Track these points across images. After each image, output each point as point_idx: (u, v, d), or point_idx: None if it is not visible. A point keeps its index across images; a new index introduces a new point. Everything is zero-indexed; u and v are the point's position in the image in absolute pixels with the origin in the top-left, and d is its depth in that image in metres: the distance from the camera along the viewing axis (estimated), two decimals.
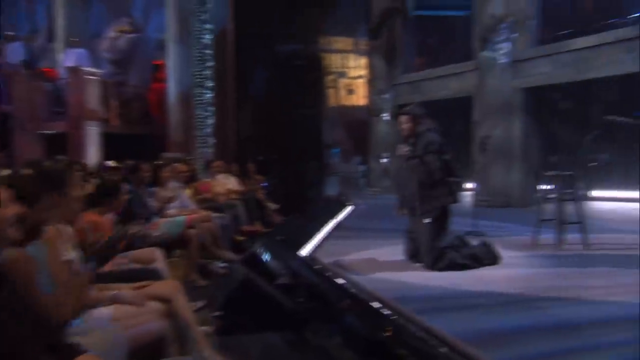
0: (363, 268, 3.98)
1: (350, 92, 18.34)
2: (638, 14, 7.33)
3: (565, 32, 8.07)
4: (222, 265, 5.29)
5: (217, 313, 3.48)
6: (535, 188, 8.92)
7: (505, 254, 4.42)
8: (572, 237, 4.99)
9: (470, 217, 5.56)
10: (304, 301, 4.15)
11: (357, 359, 2.83)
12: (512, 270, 3.88)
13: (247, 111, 13.26)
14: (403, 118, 4.25)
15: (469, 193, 11.66)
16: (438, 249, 3.78)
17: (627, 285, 3.44)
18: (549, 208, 4.96)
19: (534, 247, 4.87)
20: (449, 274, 3.68)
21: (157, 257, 3.40)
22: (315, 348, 3.48)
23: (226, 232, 6.13)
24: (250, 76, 14.57)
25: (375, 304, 2.96)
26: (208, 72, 9.98)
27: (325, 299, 3.62)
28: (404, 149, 4.14)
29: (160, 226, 4.83)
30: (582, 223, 4.78)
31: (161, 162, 6.18)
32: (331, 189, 13.97)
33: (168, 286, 2.70)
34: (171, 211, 5.32)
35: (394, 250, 4.35)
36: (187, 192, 6.27)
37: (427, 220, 3.89)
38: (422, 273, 3.71)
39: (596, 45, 7.43)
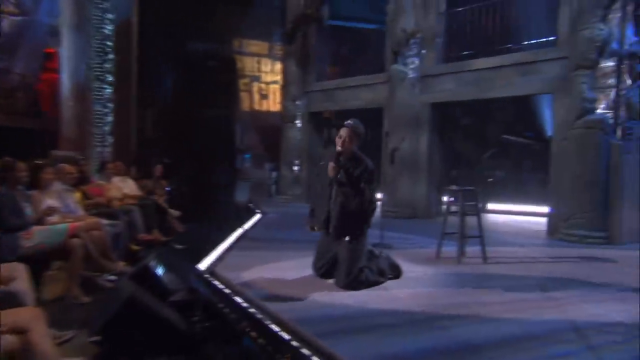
0: (267, 284, 3.70)
1: (264, 96, 18.06)
2: (534, 41, 7.86)
3: (469, 52, 8.47)
4: (111, 278, 4.76)
5: (94, 338, 3.01)
6: (439, 201, 9.24)
7: (410, 267, 4.40)
8: (473, 249, 5.13)
9: (378, 228, 5.51)
10: (199, 322, 3.80)
11: None
12: (416, 286, 3.82)
13: (153, 110, 12.48)
14: (344, 131, 3.86)
15: (377, 204, 11.93)
16: (357, 270, 3.61)
17: (524, 301, 3.52)
18: (452, 221, 5.05)
19: (438, 261, 4.92)
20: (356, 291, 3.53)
21: (19, 276, 2.86)
22: None
23: (119, 241, 5.57)
24: (158, 74, 13.75)
25: (275, 327, 2.70)
26: (108, 66, 9.15)
27: (222, 320, 3.30)
28: (332, 168, 3.71)
29: (35, 235, 4.21)
30: (481, 237, 4.91)
31: (43, 161, 5.45)
32: (242, 195, 13.56)
33: (26, 314, 2.24)
34: (52, 218, 4.67)
35: (301, 264, 4.12)
36: (74, 196, 5.60)
37: (348, 243, 3.69)
38: (328, 291, 3.52)
39: (496, 67, 7.86)
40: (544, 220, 7.82)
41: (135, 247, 5.92)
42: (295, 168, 12.00)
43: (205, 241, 5.65)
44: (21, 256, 4.00)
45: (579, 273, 4.58)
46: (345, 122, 3.99)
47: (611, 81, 6.75)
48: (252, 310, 3.01)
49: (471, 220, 4.99)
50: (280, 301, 3.25)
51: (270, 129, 15.67)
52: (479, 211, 5.04)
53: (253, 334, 2.81)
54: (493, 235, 5.31)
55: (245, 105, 17.74)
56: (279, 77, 14.64)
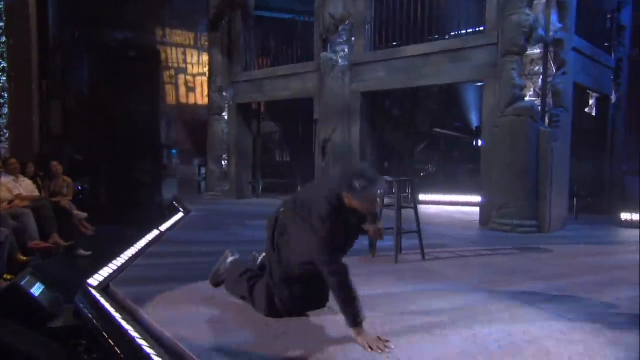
0: (174, 304, 2.95)
1: (191, 89, 16.88)
2: (463, 29, 7.55)
3: (399, 39, 8.05)
4: None
5: None
6: None
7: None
8: (409, 244, 4.65)
9: None
10: (85, 352, 2.99)
11: None
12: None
13: (63, 103, 11.07)
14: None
15: None
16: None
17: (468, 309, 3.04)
18: (385, 215, 4.53)
19: (374, 261, 4.38)
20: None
21: None
22: None
23: (2, 250, 4.56)
24: (69, 63, 12.29)
25: None
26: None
27: (110, 353, 2.53)
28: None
29: None
30: (419, 232, 4.44)
31: None
32: (168, 193, 12.49)
33: None
34: None
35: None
36: None
37: None
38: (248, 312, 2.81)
39: (425, 54, 7.48)
40: (475, 210, 7.59)
41: (23, 258, 4.90)
42: (224, 163, 11.13)
43: (116, 246, 4.76)
44: None
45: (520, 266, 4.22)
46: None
47: (538, 68, 6.58)
48: (142, 342, 2.26)
49: (406, 214, 4.50)
50: (190, 327, 2.51)
51: (198, 123, 14.61)
52: (417, 204, 4.54)
53: None
54: (426, 228, 4.85)
55: (170, 98, 16.48)
56: (206, 69, 13.61)
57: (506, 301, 3.12)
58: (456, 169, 10.99)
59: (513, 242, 5.54)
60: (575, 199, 7.86)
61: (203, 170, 13.01)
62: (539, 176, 6.28)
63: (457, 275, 3.87)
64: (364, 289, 3.33)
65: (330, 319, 2.60)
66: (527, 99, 6.41)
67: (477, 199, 7.91)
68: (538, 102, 6.42)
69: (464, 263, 4.44)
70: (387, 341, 2.31)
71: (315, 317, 2.68)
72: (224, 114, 11.08)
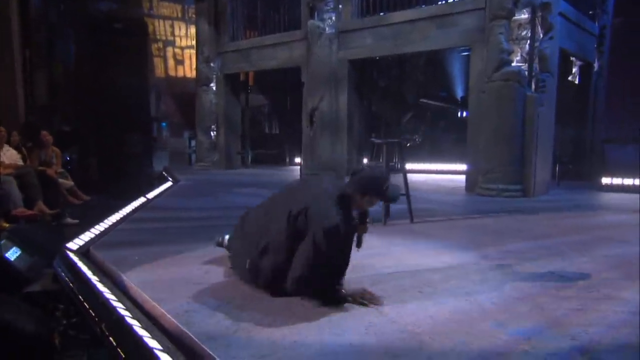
0: (155, 267, 2.71)
1: (180, 62, 16.29)
2: None
3: (386, 6, 7.68)
4: None
5: None
6: (360, 161, 8.59)
7: None
8: (397, 208, 4.45)
9: None
10: (62, 317, 2.77)
11: None
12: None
13: (48, 74, 10.55)
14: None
15: (297, 167, 11.07)
16: None
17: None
18: None
19: None
20: None
21: None
22: None
23: None
24: (53, 34, 11.67)
25: (148, 336, 1.78)
26: None
27: (87, 319, 2.31)
28: None
29: None
30: (407, 195, 4.23)
31: None
32: (159, 165, 12.13)
33: None
34: None
35: (202, 241, 3.15)
36: None
37: None
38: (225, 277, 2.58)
39: (413, 20, 7.15)
40: (461, 177, 7.43)
41: (6, 225, 4.61)
42: (212, 134, 10.78)
43: (102, 213, 4.50)
44: None
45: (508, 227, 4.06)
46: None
47: (525, 32, 6.30)
48: (117, 304, 2.04)
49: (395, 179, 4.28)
50: (167, 294, 2.27)
51: (187, 96, 14.13)
52: (404, 167, 4.33)
53: (113, 337, 1.86)
54: (413, 193, 4.64)
55: (159, 71, 15.91)
56: (194, 42, 13.07)
57: (497, 260, 2.95)
58: (442, 138, 10.77)
59: (499, 205, 5.39)
60: (557, 164, 7.73)
61: (193, 143, 12.65)
62: (524, 141, 6.09)
63: (446, 236, 3.69)
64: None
65: None
66: (514, 64, 6.16)
67: (462, 167, 7.75)
68: (525, 67, 6.17)
69: (451, 225, 4.27)
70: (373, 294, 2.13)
71: None
72: (211, 84, 10.67)
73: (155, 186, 7.18)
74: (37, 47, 9.90)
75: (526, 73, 6.15)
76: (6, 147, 5.98)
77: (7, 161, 5.70)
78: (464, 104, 10.13)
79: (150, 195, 5.80)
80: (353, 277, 2.50)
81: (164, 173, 9.17)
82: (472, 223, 4.36)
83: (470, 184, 6.66)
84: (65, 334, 2.50)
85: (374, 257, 2.95)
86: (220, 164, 10.45)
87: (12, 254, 2.93)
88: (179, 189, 6.95)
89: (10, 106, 8.26)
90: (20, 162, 6.01)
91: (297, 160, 11.64)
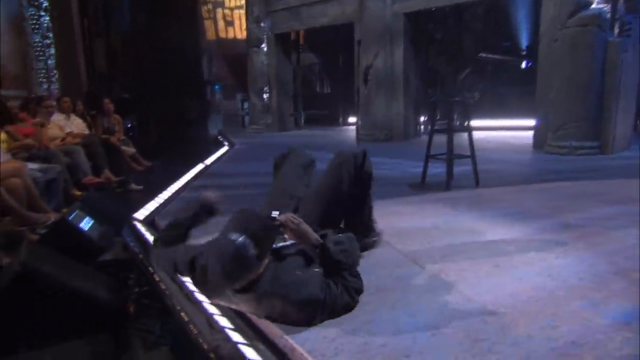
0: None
1: (230, 23, 16.19)
2: None
3: None
4: (42, 232, 3.75)
5: None
6: (417, 121, 8.25)
7: (393, 203, 3.46)
8: (460, 170, 4.23)
9: None
10: (134, 286, 2.87)
11: None
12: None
13: (107, 42, 10.81)
14: None
15: (352, 127, 10.84)
16: None
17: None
18: (435, 141, 4.10)
19: (424, 188, 4.00)
20: None
21: None
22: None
23: (55, 187, 4.48)
24: (110, 1, 11.87)
25: (218, 314, 1.76)
26: None
27: (155, 286, 2.36)
28: None
29: None
30: (473, 156, 3.99)
31: None
32: (213, 128, 12.34)
33: None
34: None
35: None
36: None
37: None
38: None
39: None
40: (526, 134, 6.94)
41: (78, 193, 4.85)
42: (265, 96, 10.73)
43: (164, 180, 4.63)
44: None
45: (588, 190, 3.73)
46: None
47: None
48: (187, 279, 2.04)
49: (457, 139, 4.03)
50: None
51: (239, 57, 14.07)
52: (470, 126, 4.05)
53: (184, 313, 1.87)
54: (477, 153, 4.37)
55: (210, 33, 15.90)
56: (243, 2, 12.86)
57: (579, 228, 2.69)
58: (504, 92, 10.08)
59: (573, 165, 4.98)
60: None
61: (246, 105, 12.71)
62: (603, 92, 5.53)
63: (517, 202, 3.45)
64: (416, 218, 3.01)
65: None
66: (593, 6, 5.51)
67: (528, 123, 7.22)
68: (607, 8, 5.50)
69: (521, 189, 3.98)
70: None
71: None
72: (262, 45, 10.51)
73: (212, 151, 7.29)
74: (94, 16, 10.14)
75: (608, 15, 5.49)
76: (73, 117, 6.23)
77: (75, 130, 5.95)
78: (529, 54, 9.37)
79: (209, 161, 5.88)
80: (422, 249, 2.38)
81: (219, 137, 9.30)
82: (544, 186, 4.04)
83: (539, 141, 6.20)
84: (138, 302, 2.59)
85: (441, 226, 2.80)
86: (273, 126, 10.44)
87: (85, 223, 3.04)
88: (235, 154, 7.02)
89: (73, 76, 8.57)
90: (86, 131, 6.26)
91: (351, 120, 11.41)
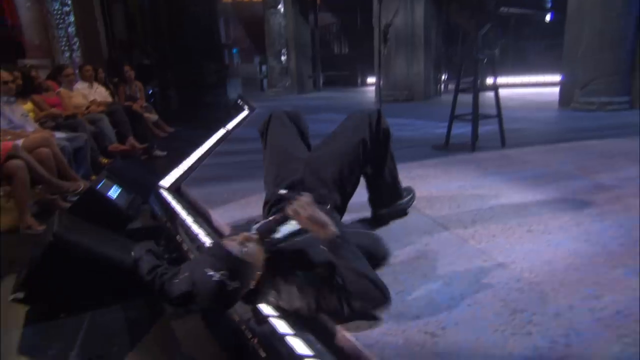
0: (243, 209, 2.65)
1: None
2: None
3: None
4: (74, 200, 3.76)
5: (15, 296, 2.06)
6: (438, 80, 7.94)
7: (417, 165, 3.33)
8: (485, 130, 4.05)
9: None
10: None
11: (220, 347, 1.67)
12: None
13: (124, 7, 10.59)
14: None
15: (370, 88, 10.53)
16: None
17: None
18: (458, 101, 3.91)
19: (448, 149, 3.85)
20: None
21: None
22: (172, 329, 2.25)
23: (83, 155, 4.47)
24: None
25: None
26: None
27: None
28: None
29: None
30: (499, 116, 3.79)
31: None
32: (233, 92, 12.18)
33: None
34: None
35: None
36: (20, 108, 4.40)
37: None
38: None
39: None
40: (552, 90, 6.62)
41: (105, 160, 4.86)
42: (283, 58, 10.46)
43: (187, 145, 4.58)
44: None
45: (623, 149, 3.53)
46: None
47: None
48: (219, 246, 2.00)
49: (480, 99, 3.82)
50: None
51: (256, 20, 13.68)
52: (496, 85, 3.84)
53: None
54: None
55: None
56: None
57: (614, 189, 2.54)
58: (527, 47, 9.59)
59: (601, 122, 4.72)
60: None
61: (264, 68, 12.45)
62: (636, 46, 5.16)
63: (546, 162, 3.28)
64: (442, 181, 2.89)
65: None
66: None
67: (552, 79, 6.87)
68: None
69: (550, 149, 3.78)
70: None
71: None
72: (279, 6, 10.14)
73: (233, 115, 7.18)
74: None
75: None
76: (95, 85, 6.17)
77: (98, 98, 5.90)
78: (554, 6, 8.82)
79: (230, 126, 5.79)
80: (451, 214, 2.28)
81: (239, 102, 9.16)
82: (574, 145, 3.84)
83: (565, 98, 5.90)
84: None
85: (468, 189, 2.68)
86: (292, 89, 10.23)
87: (113, 192, 3.01)
88: (256, 118, 6.89)
89: (93, 43, 8.45)
90: (109, 99, 6.20)
91: (370, 80, 11.09)
